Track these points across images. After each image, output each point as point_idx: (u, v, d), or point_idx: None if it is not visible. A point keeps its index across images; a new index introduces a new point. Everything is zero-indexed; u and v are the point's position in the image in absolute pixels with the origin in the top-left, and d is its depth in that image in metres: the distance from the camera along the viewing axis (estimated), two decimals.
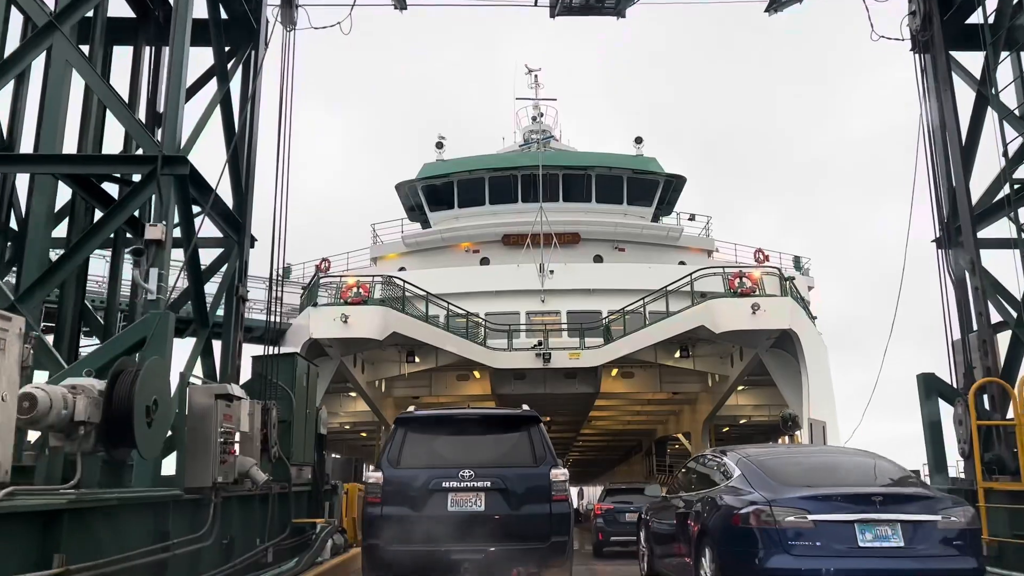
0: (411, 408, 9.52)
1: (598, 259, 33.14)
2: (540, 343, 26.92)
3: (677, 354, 25.56)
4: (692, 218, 34.70)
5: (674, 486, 9.56)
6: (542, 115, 39.08)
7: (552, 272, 30.89)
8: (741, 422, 37.72)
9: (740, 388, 28.09)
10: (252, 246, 10.19)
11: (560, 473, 8.27)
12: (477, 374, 29.07)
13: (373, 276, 22.02)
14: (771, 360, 22.47)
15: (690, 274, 22.62)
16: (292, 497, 9.34)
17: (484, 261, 33.31)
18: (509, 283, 30.91)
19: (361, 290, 21.69)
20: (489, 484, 8.04)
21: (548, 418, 38.47)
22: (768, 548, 6.55)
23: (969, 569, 6.71)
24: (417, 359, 25.86)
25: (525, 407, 9.20)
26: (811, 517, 6.56)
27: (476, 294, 29.00)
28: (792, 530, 6.54)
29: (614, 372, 28.94)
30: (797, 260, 22.10)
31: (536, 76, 40.04)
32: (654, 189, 33.94)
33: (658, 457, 44.15)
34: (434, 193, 34.33)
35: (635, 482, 29.18)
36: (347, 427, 39.92)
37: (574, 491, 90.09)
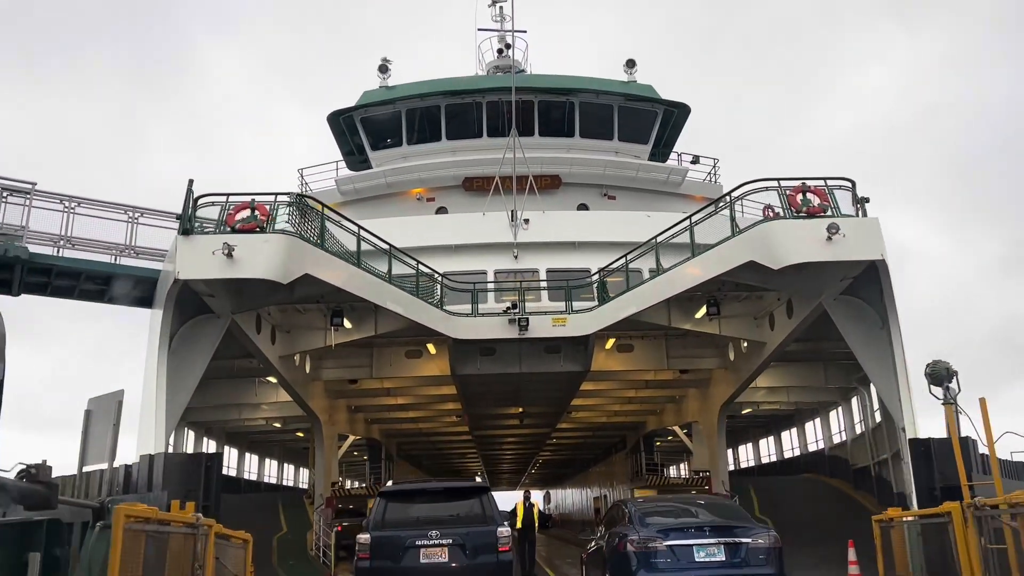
0: (389, 483, 14.54)
1: (583, 208, 26.70)
2: (514, 305, 20.28)
3: (701, 312, 19.07)
4: (695, 161, 28.32)
5: (602, 524, 12.77)
6: (509, 47, 32.32)
7: (527, 222, 24.35)
8: (744, 412, 31.45)
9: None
10: None
11: (504, 530, 11.06)
12: (432, 348, 22.34)
13: (276, 195, 15.11)
14: (841, 312, 16.09)
15: (728, 193, 16.11)
16: None
17: (441, 211, 26.65)
18: (473, 235, 24.35)
19: (257, 213, 14.80)
20: (451, 541, 10.78)
21: (520, 409, 31.95)
22: (638, 564, 9.81)
23: (769, 574, 9.89)
24: (347, 323, 18.97)
25: (478, 479, 16.32)
26: (664, 543, 9.82)
27: (431, 249, 22.23)
28: (653, 551, 9.78)
29: (609, 344, 22.43)
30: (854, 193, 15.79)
31: (501, 8, 33.38)
32: (651, 122, 27.52)
33: (647, 455, 37.75)
34: (377, 126, 27.46)
35: None
36: (276, 424, 32.77)
37: (540, 494, 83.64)
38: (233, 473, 37.44)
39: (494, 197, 24.97)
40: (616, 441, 43.95)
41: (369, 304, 18.74)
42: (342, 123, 27.80)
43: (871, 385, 25.42)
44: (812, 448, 33.95)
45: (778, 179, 15.38)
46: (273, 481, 44.60)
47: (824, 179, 15.35)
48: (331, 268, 15.67)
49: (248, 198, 15.03)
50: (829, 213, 14.91)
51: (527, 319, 19.81)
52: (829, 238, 14.19)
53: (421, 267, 20.16)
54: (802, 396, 28.99)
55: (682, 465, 51.35)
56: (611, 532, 10.94)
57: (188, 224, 14.39)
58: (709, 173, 28.44)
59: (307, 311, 19.50)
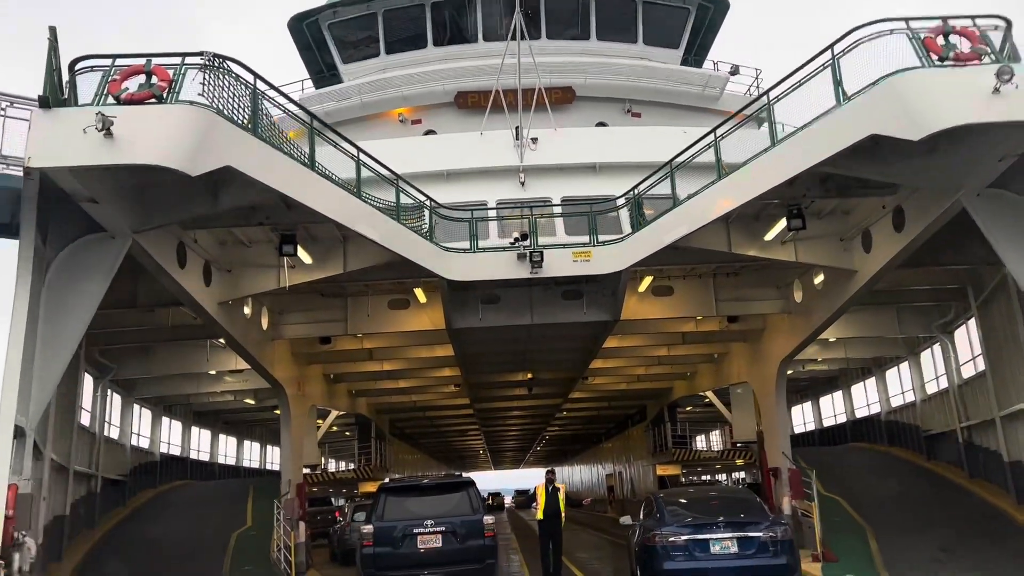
0: (387, 479, 16.68)
1: (601, 127, 22.04)
2: (524, 236, 15.70)
3: (775, 230, 14.41)
4: (735, 71, 23.56)
5: (639, 514, 13.71)
6: None
7: (535, 141, 19.73)
8: (788, 372, 26.85)
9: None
10: None
11: (490, 518, 13.01)
12: (421, 295, 17.78)
13: (184, 55, 10.43)
14: (987, 212, 11.42)
15: (831, 45, 11.38)
16: None
17: (429, 134, 21.98)
18: (469, 159, 19.80)
19: (155, 78, 10.10)
20: (443, 529, 12.58)
21: (530, 375, 27.44)
22: (662, 556, 11.26)
23: (780, 564, 11.12)
24: (304, 256, 14.29)
25: (464, 475, 15.04)
26: (683, 537, 11.24)
27: (418, 177, 17.49)
28: (675, 545, 11.24)
29: (644, 284, 17.88)
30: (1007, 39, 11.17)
31: None
32: (682, 20, 22.78)
33: (673, 426, 33.35)
34: (349, 34, 22.68)
35: None
36: (248, 401, 28.28)
37: (543, 471, 79.95)
38: (206, 457, 33.18)
39: (493, 115, 20.32)
40: (634, 412, 39.62)
41: (335, 233, 14.19)
42: (307, 32, 22.99)
43: (956, 333, 21.09)
44: (861, 414, 29.65)
45: (906, 19, 10.71)
46: (255, 465, 40.35)
47: (972, 17, 10.69)
48: (266, 161, 10.95)
49: (143, 60, 10.32)
50: (987, 61, 10.25)
51: (540, 253, 15.21)
52: (996, 89, 9.55)
53: (403, 185, 15.52)
54: (862, 351, 24.55)
55: (700, 437, 47.23)
56: (643, 525, 12.48)
57: (50, 92, 9.67)
58: (751, 86, 23.73)
59: (254, 244, 14.85)
